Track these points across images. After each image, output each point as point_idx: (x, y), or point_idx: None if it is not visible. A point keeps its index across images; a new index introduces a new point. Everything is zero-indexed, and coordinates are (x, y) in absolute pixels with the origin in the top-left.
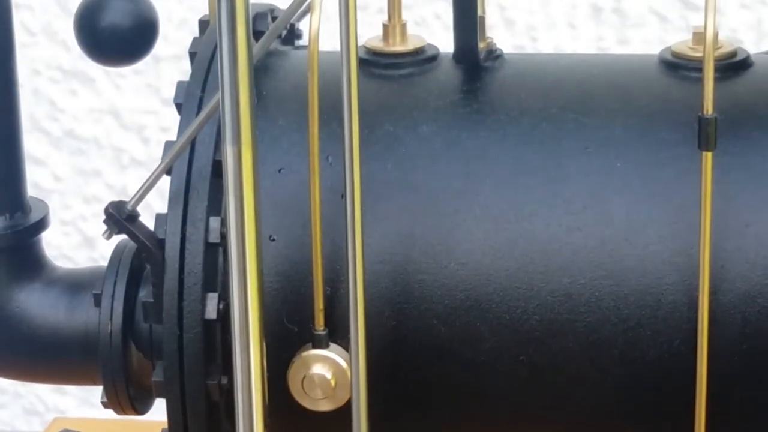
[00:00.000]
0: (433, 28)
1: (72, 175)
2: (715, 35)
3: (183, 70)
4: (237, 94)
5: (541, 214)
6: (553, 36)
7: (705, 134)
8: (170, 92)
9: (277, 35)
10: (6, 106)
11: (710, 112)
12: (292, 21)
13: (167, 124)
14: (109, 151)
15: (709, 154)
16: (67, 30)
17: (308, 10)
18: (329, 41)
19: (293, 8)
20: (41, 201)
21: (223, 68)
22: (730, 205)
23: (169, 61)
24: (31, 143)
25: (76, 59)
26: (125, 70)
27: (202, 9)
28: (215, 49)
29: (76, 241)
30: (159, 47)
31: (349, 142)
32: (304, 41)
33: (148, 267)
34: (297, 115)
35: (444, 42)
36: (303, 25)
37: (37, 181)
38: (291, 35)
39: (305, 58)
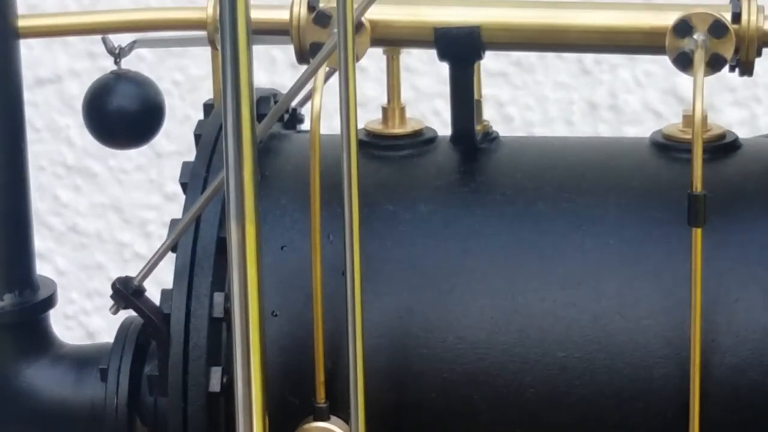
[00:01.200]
0: (432, 124)
1: (74, 269)
2: (704, 117)
3: None
4: (241, 171)
5: (536, 289)
6: (550, 132)
7: (694, 210)
8: (173, 188)
9: (280, 118)
10: (16, 186)
11: (699, 188)
12: (294, 106)
13: (170, 220)
14: (112, 246)
15: (699, 230)
16: (71, 126)
17: (309, 96)
18: (330, 124)
19: (295, 90)
20: (49, 279)
21: (228, 146)
22: (719, 280)
23: (171, 156)
24: (34, 238)
25: (80, 155)
26: (128, 165)
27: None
28: (219, 131)
29: (78, 335)
30: (161, 143)
31: (350, 220)
32: (305, 126)
33: (154, 342)
34: (299, 194)
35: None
36: (304, 110)
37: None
38: (293, 120)
39: (307, 141)
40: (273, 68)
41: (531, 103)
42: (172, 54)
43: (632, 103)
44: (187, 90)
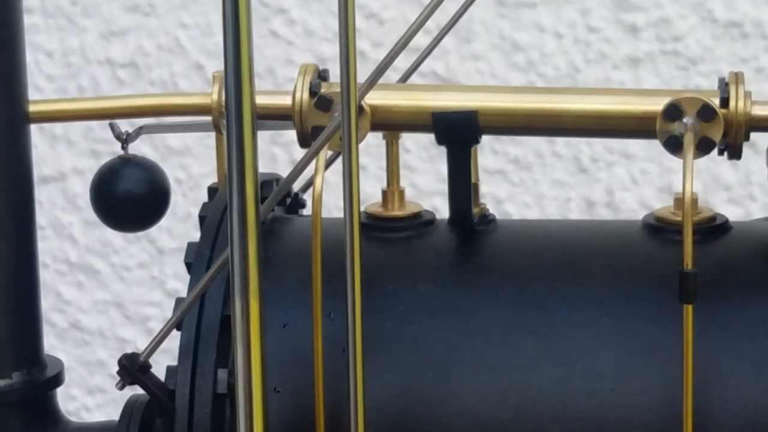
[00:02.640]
0: None
1: (76, 366)
2: (695, 200)
3: None
4: (245, 247)
5: (532, 366)
6: None
7: (685, 288)
8: (174, 284)
9: (282, 203)
10: (25, 265)
11: (690, 266)
12: (296, 191)
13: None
14: (113, 343)
15: (690, 307)
16: (74, 224)
17: (311, 182)
18: (329, 210)
19: (297, 171)
20: (56, 358)
21: (233, 223)
22: (711, 357)
23: (173, 253)
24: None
25: (83, 252)
26: (130, 262)
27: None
28: (224, 212)
29: None
30: (163, 240)
31: (351, 299)
32: (306, 211)
33: (159, 420)
34: (300, 274)
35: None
36: (306, 196)
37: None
38: (295, 204)
39: (308, 223)
40: (274, 165)
41: (528, 200)
42: (174, 152)
43: (629, 200)
44: (189, 188)
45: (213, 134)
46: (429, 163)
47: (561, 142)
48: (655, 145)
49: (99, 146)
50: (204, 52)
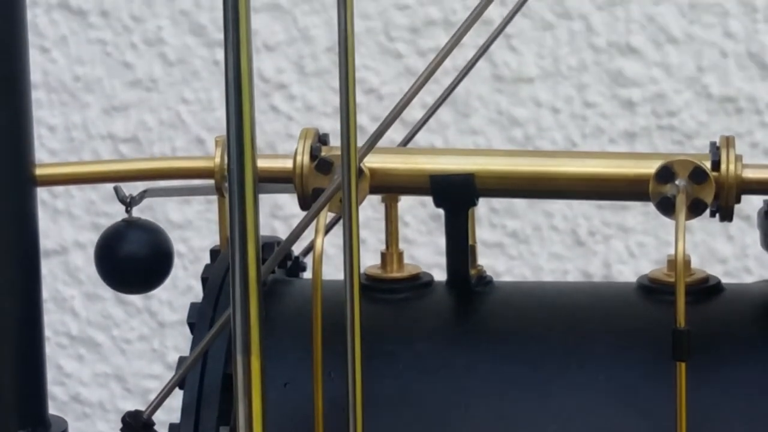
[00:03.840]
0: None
1: None
2: (688, 262)
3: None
4: (247, 306)
5: (528, 424)
6: None
7: (678, 345)
8: (175, 357)
9: (283, 265)
10: (31, 323)
11: (683, 324)
12: (297, 254)
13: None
14: (114, 416)
15: (683, 365)
16: (75, 297)
17: (311, 248)
18: (331, 272)
19: (298, 231)
20: (60, 417)
21: (235, 283)
22: (705, 414)
23: (174, 326)
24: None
25: (84, 325)
26: (131, 335)
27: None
28: (226, 273)
29: None
30: (164, 313)
31: (351, 359)
32: (307, 274)
33: None
34: (301, 334)
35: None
36: (307, 260)
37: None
38: (296, 268)
39: (309, 285)
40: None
41: (527, 273)
42: (175, 225)
43: (626, 273)
44: (190, 261)
45: (214, 209)
46: (427, 236)
47: (558, 215)
48: (651, 219)
49: (101, 220)
50: (205, 127)
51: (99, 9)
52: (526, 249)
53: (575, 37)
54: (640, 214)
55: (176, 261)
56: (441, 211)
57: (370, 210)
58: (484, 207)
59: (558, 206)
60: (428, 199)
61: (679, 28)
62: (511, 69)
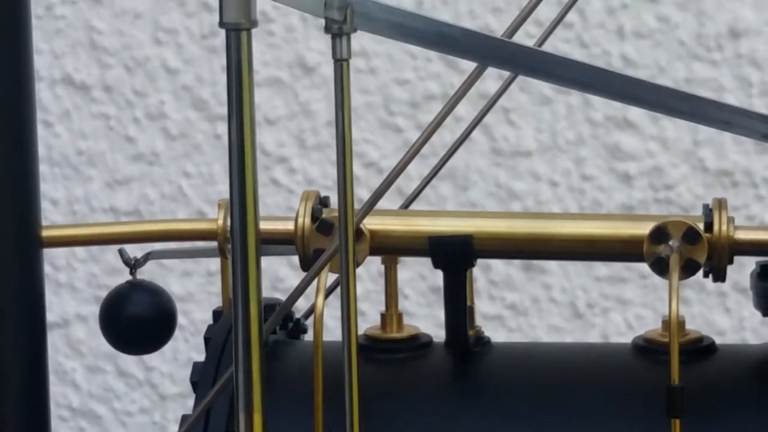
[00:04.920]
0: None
1: None
2: (682, 322)
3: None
4: (250, 364)
5: None
6: None
7: (672, 402)
8: (176, 430)
9: (284, 327)
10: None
11: (677, 381)
12: (298, 317)
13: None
14: None
15: (677, 422)
16: (77, 369)
17: (312, 310)
18: (330, 335)
19: (299, 291)
20: None
21: (238, 342)
22: None
23: (175, 399)
24: None
25: (85, 398)
26: (132, 408)
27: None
28: (228, 332)
29: None
30: (165, 385)
31: (350, 418)
32: (308, 336)
33: None
34: (301, 392)
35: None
36: (308, 322)
37: None
38: (296, 330)
39: (309, 346)
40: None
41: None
42: (176, 298)
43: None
44: (191, 333)
45: (216, 281)
46: (427, 308)
47: (557, 287)
48: (649, 292)
49: (102, 293)
50: (206, 201)
51: (102, 84)
52: (525, 321)
53: (573, 111)
54: (638, 287)
55: (177, 334)
56: (440, 284)
57: (370, 283)
58: (483, 279)
59: (556, 278)
60: (428, 272)
61: None
62: (509, 143)
